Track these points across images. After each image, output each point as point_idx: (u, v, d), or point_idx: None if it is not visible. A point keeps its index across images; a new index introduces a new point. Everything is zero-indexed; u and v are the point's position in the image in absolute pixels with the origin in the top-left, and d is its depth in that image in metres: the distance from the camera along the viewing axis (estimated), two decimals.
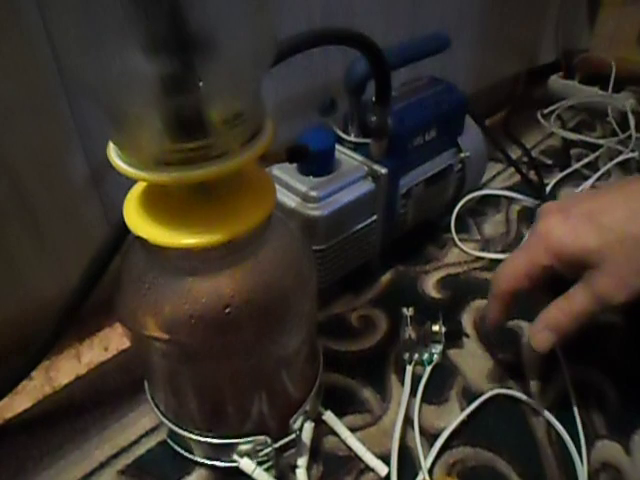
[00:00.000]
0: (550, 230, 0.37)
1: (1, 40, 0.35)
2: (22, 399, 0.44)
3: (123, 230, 0.33)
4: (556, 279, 0.38)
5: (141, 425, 0.42)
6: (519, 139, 0.74)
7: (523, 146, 0.72)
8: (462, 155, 0.55)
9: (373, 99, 0.44)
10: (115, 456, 0.40)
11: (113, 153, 0.27)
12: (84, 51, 0.23)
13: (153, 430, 0.41)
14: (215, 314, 0.29)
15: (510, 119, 0.80)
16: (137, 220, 0.29)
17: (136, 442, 0.41)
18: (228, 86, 0.25)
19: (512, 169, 0.69)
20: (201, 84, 0.24)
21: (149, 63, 0.23)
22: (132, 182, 0.32)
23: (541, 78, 0.88)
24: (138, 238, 0.28)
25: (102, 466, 0.39)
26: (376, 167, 0.46)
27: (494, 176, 0.69)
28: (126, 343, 0.48)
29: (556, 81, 0.87)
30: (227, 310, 0.29)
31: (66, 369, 0.46)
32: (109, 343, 0.48)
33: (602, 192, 0.39)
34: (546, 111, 0.82)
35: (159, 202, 0.29)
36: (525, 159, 0.71)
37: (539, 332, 0.38)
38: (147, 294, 0.30)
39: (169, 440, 0.40)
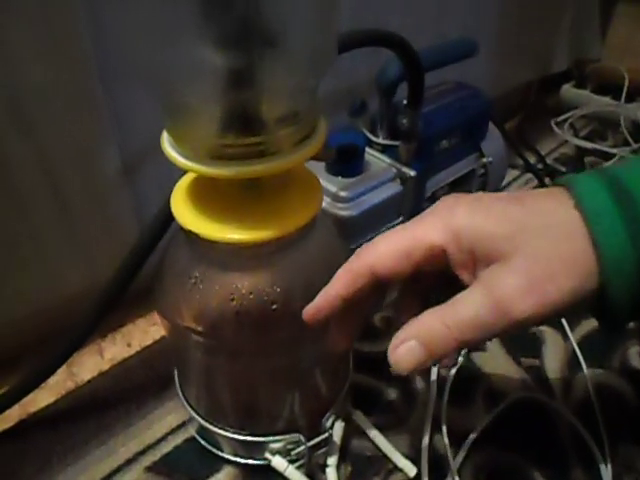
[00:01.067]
0: (453, 206, 0.27)
1: (42, 28, 0.35)
2: (45, 394, 0.44)
3: (164, 222, 0.33)
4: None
5: (167, 422, 0.42)
6: (534, 146, 0.74)
7: (538, 153, 0.73)
8: (484, 160, 0.55)
9: (404, 102, 0.44)
10: (142, 453, 0.40)
11: (167, 143, 0.27)
12: (154, 44, 0.23)
13: (180, 427, 0.41)
14: (262, 311, 0.29)
15: (523, 126, 0.80)
16: (186, 214, 0.29)
17: (163, 439, 0.41)
18: (289, 84, 0.25)
19: (528, 175, 0.69)
20: (263, 81, 0.24)
21: (218, 57, 0.23)
22: (165, 177, 0.32)
23: (554, 87, 0.89)
24: (186, 232, 0.28)
25: (129, 462, 0.39)
26: (405, 169, 0.46)
27: (510, 182, 0.70)
28: (149, 340, 0.48)
29: (569, 90, 0.88)
30: (274, 307, 0.29)
31: (89, 365, 0.46)
32: (132, 339, 0.48)
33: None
34: (559, 119, 0.83)
35: (208, 196, 0.29)
36: (540, 166, 0.72)
37: (402, 344, 0.26)
38: (192, 289, 0.30)
39: (198, 437, 0.39)
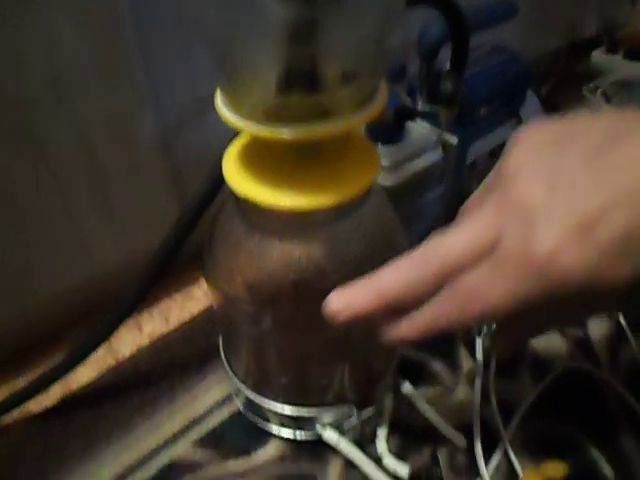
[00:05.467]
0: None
1: None
2: (86, 370, 0.43)
3: (214, 188, 0.32)
4: None
5: (211, 396, 0.41)
6: (566, 114, 0.72)
7: None
8: None
9: (447, 65, 0.42)
10: (188, 427, 0.39)
11: (220, 101, 0.26)
12: None
13: (224, 401, 0.41)
14: (319, 280, 0.28)
15: (554, 94, 0.78)
16: (240, 180, 0.27)
17: (208, 413, 0.40)
18: (354, 39, 0.24)
19: None
20: (327, 35, 0.23)
21: (281, 8, 0.21)
22: (203, 148, 0.30)
23: (584, 53, 0.86)
24: (239, 200, 0.27)
25: (175, 437, 0.39)
26: (446, 136, 0.45)
27: None
28: (187, 315, 0.47)
29: (600, 55, 0.85)
30: (334, 277, 0.28)
31: (128, 340, 0.46)
32: (170, 314, 0.48)
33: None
34: (591, 86, 0.80)
35: (262, 162, 0.28)
36: None
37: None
38: (247, 260, 0.29)
39: (245, 410, 0.39)
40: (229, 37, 0.23)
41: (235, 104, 0.25)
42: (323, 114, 0.24)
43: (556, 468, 0.32)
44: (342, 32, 0.23)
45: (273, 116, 0.24)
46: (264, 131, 0.24)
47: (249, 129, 0.25)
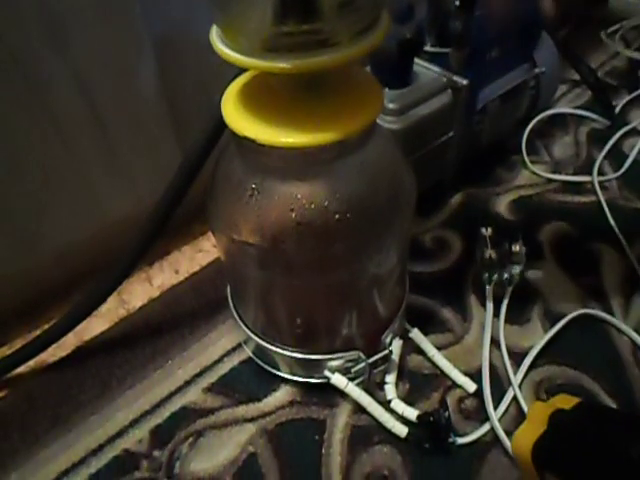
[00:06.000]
0: None
1: None
2: (98, 321, 0.44)
3: (215, 133, 0.31)
4: None
5: (221, 345, 0.42)
6: (583, 59, 0.69)
7: (588, 66, 0.68)
8: (537, 70, 0.52)
9: (457, 3, 0.41)
10: (199, 375, 0.40)
11: (217, 38, 0.25)
12: None
13: (235, 349, 0.41)
14: (324, 221, 0.28)
15: (571, 39, 0.75)
16: (239, 119, 0.27)
17: (219, 361, 0.41)
18: None
19: (578, 90, 0.65)
20: None
21: None
22: (204, 98, 0.29)
23: None
24: (240, 139, 0.27)
25: (187, 384, 0.40)
26: (456, 78, 0.43)
27: (559, 97, 0.65)
28: (196, 266, 0.48)
29: None
30: (337, 217, 0.28)
31: (138, 292, 0.46)
32: (179, 266, 0.48)
33: None
34: (610, 30, 0.77)
35: (262, 99, 0.27)
36: (591, 79, 0.67)
37: None
38: (250, 202, 0.28)
39: (254, 357, 0.39)
40: None
41: (231, 38, 0.24)
42: (322, 44, 0.23)
43: (566, 399, 0.31)
44: None
45: (270, 48, 0.23)
46: (261, 64, 0.23)
47: (246, 63, 0.24)
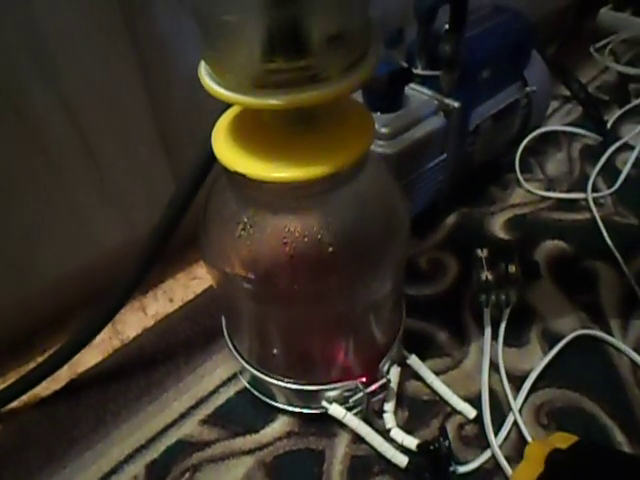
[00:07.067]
0: None
1: None
2: (92, 353, 0.43)
3: (204, 168, 0.31)
4: None
5: (217, 375, 0.41)
6: (574, 74, 0.70)
7: (579, 81, 0.68)
8: (528, 89, 0.52)
9: (446, 27, 0.41)
10: (195, 406, 0.39)
11: (205, 74, 0.25)
12: None
13: (230, 379, 0.41)
14: (317, 253, 0.28)
15: (561, 54, 0.75)
16: (230, 154, 0.27)
17: (214, 392, 0.40)
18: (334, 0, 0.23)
19: (569, 106, 0.66)
20: None
21: None
22: (196, 126, 0.29)
23: (591, 11, 0.83)
24: (231, 174, 0.26)
25: (183, 417, 0.39)
26: (448, 101, 0.43)
27: (551, 113, 0.66)
28: (191, 294, 0.47)
29: (607, 13, 0.82)
30: (330, 249, 0.27)
31: (132, 321, 0.46)
32: (173, 295, 0.47)
33: None
34: (599, 45, 0.78)
35: (252, 133, 0.27)
36: (581, 95, 0.68)
37: None
38: (242, 235, 0.28)
39: (250, 387, 0.39)
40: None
41: (220, 74, 0.24)
42: (311, 79, 0.23)
43: (563, 438, 0.31)
44: None
45: (260, 84, 0.23)
46: (250, 101, 0.23)
47: (235, 99, 0.24)
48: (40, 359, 0.40)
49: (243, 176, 0.26)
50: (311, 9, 0.22)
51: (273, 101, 0.23)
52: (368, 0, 0.24)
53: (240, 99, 0.24)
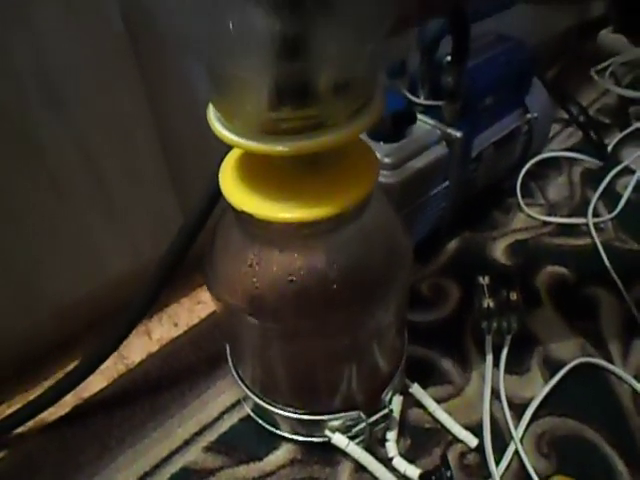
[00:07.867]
0: None
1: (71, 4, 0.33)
2: (97, 378, 0.44)
3: (211, 201, 0.32)
4: None
5: (221, 401, 0.42)
6: (574, 97, 0.71)
7: (579, 105, 0.69)
8: (529, 116, 0.52)
9: (448, 58, 0.42)
10: (199, 433, 0.40)
11: (214, 119, 0.25)
12: (202, 10, 0.21)
13: (234, 406, 0.41)
14: (322, 290, 0.28)
15: (562, 77, 0.76)
16: (237, 193, 0.27)
17: (218, 418, 0.40)
18: (340, 51, 0.23)
19: (570, 130, 0.66)
20: (317, 47, 0.22)
21: (267, 21, 0.21)
22: (203, 157, 0.30)
23: (591, 34, 0.84)
24: (238, 212, 0.27)
25: (187, 443, 0.39)
26: (450, 130, 0.44)
27: (552, 137, 0.66)
28: (195, 318, 0.48)
29: (607, 36, 0.83)
30: (334, 286, 0.28)
31: (137, 346, 0.46)
32: (178, 319, 0.48)
33: None
34: (599, 68, 0.78)
35: (259, 173, 0.28)
36: (582, 118, 0.68)
37: None
38: (248, 271, 0.29)
39: (254, 415, 0.39)
40: (217, 53, 0.22)
41: (228, 119, 0.25)
42: (318, 126, 0.24)
43: None
44: (330, 44, 0.22)
45: (267, 130, 0.24)
46: (258, 147, 0.24)
47: (243, 145, 0.24)
48: (46, 384, 0.40)
49: (250, 215, 0.26)
50: (319, 61, 0.23)
51: (280, 147, 0.24)
52: (374, 51, 0.25)
53: (247, 145, 0.24)
